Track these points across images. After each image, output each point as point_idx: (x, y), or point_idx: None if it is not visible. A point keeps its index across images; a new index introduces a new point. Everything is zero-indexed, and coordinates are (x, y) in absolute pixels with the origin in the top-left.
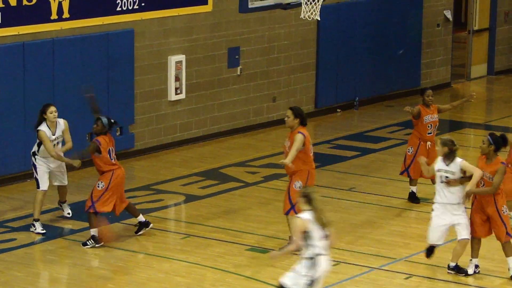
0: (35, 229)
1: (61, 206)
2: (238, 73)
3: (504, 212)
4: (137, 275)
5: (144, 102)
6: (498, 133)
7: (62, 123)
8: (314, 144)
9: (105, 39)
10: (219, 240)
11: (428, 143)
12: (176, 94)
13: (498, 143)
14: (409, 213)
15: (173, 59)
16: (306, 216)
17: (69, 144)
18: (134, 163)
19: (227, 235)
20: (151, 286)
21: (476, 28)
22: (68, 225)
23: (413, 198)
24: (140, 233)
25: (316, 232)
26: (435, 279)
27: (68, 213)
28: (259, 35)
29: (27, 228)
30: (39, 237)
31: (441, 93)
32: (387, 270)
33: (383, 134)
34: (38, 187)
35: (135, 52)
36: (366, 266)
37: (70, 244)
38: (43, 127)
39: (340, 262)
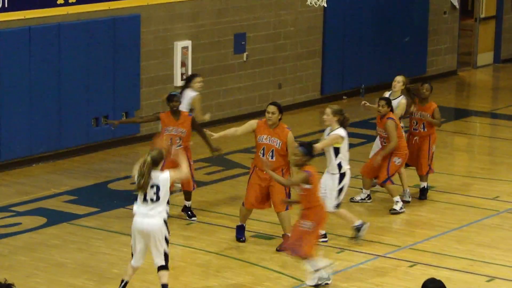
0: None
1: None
2: (244, 59)
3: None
4: None
5: (150, 88)
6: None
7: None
8: (319, 131)
9: (111, 24)
10: (224, 226)
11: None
12: (182, 80)
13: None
14: (414, 201)
15: (179, 45)
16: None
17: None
18: (139, 149)
19: (232, 221)
20: (155, 272)
21: (482, 16)
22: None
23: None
24: None
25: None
26: (439, 267)
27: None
28: (265, 21)
29: (32, 212)
30: (44, 221)
31: (447, 81)
32: (391, 258)
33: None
34: None
35: (141, 37)
36: (370, 254)
37: (75, 229)
38: None
39: (344, 249)
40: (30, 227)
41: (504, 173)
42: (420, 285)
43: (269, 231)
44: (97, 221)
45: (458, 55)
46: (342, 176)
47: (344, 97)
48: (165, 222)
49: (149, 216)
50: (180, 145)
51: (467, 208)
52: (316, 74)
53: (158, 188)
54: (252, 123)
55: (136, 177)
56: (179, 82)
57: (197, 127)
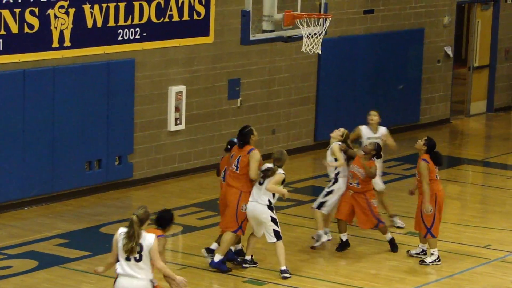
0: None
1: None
2: (238, 105)
3: None
4: None
5: (144, 132)
6: None
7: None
8: (313, 177)
9: (106, 68)
10: (216, 272)
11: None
12: (176, 124)
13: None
14: (405, 248)
15: (173, 90)
16: None
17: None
18: (132, 193)
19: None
20: None
21: (476, 64)
22: None
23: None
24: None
25: None
26: None
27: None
28: (260, 67)
29: (23, 255)
30: (36, 265)
31: (441, 129)
32: None
33: (382, 169)
34: None
35: (136, 81)
36: None
37: (66, 273)
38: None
39: None
40: (21, 270)
41: (496, 222)
42: None
43: (261, 277)
44: (89, 265)
45: (451, 103)
46: (335, 180)
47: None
48: (151, 281)
49: (132, 277)
50: None
51: (459, 256)
52: (310, 120)
53: (141, 247)
54: None
55: (122, 239)
56: (173, 127)
57: None
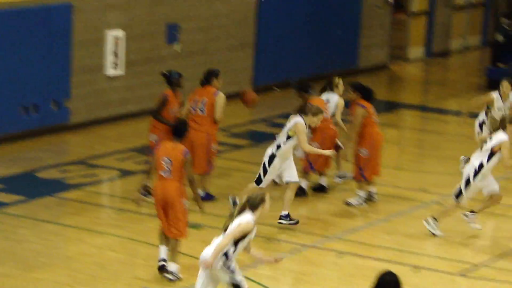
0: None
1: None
2: (177, 49)
3: None
4: (69, 249)
5: (81, 77)
6: None
7: None
8: (250, 122)
9: (43, 13)
10: (153, 215)
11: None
12: (114, 69)
13: None
14: (343, 191)
15: (111, 34)
16: None
17: None
18: (68, 138)
19: None
20: (83, 261)
21: (415, 10)
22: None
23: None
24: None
25: None
26: (367, 257)
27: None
28: (198, 12)
29: None
30: None
31: (379, 74)
32: (319, 248)
33: None
34: None
35: (73, 26)
36: (298, 244)
37: (2, 218)
38: None
39: (274, 239)
40: None
41: (432, 166)
42: (347, 274)
43: (196, 219)
44: (24, 210)
45: (390, 48)
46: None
47: (275, 88)
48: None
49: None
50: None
51: (395, 199)
52: (249, 65)
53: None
54: None
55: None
56: (110, 72)
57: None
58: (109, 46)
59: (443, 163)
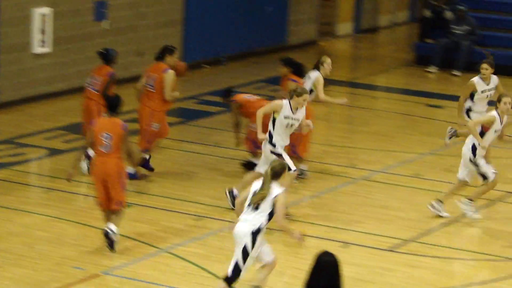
0: None
1: None
2: (106, 26)
3: None
4: None
5: (8, 55)
6: None
7: None
8: (181, 100)
9: None
10: (81, 194)
11: None
12: (41, 47)
13: None
14: None
15: (38, 12)
16: None
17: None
18: None
19: (89, 189)
20: (10, 240)
21: None
22: None
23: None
24: None
25: None
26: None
27: None
28: None
29: None
30: None
31: (308, 50)
32: None
33: (249, 90)
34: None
35: (0, 4)
36: (229, 221)
37: None
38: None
39: (204, 217)
40: None
41: (361, 141)
42: (276, 250)
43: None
44: None
45: (318, 25)
46: None
47: (205, 66)
48: (253, 233)
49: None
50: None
51: (324, 175)
52: (177, 42)
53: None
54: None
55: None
56: (38, 50)
57: None
58: (36, 24)
59: (372, 139)
